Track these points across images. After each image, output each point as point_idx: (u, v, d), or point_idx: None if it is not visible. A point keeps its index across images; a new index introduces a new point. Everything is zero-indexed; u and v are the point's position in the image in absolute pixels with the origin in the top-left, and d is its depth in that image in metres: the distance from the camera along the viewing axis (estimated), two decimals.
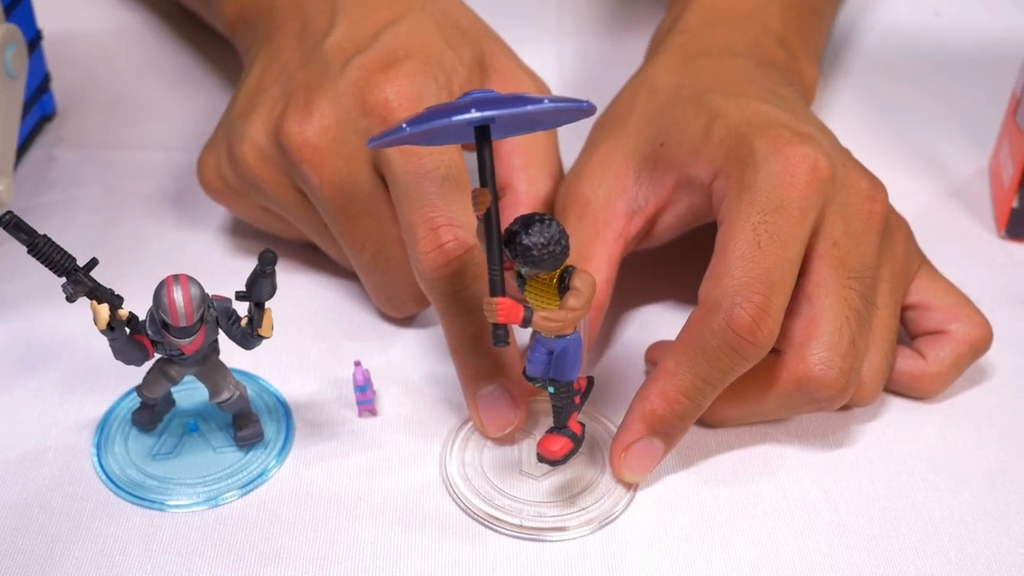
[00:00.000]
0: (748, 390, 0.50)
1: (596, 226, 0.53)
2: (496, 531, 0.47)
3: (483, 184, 0.42)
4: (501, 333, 0.43)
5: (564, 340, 0.44)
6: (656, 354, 0.54)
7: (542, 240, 0.42)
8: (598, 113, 0.55)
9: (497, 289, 0.42)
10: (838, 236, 0.50)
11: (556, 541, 0.47)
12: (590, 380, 0.48)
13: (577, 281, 0.42)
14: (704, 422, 0.51)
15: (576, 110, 0.42)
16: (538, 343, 0.45)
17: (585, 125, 0.58)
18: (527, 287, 0.44)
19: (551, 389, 0.46)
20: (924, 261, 0.55)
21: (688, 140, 0.52)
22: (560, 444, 0.47)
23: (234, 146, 0.55)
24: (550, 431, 0.47)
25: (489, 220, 0.42)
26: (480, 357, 0.50)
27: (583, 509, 0.48)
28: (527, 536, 0.47)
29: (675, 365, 0.47)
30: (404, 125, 0.41)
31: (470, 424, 0.52)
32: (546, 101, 0.40)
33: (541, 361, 0.45)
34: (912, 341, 0.54)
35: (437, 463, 0.50)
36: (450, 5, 0.59)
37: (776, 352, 0.49)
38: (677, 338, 0.48)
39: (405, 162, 0.51)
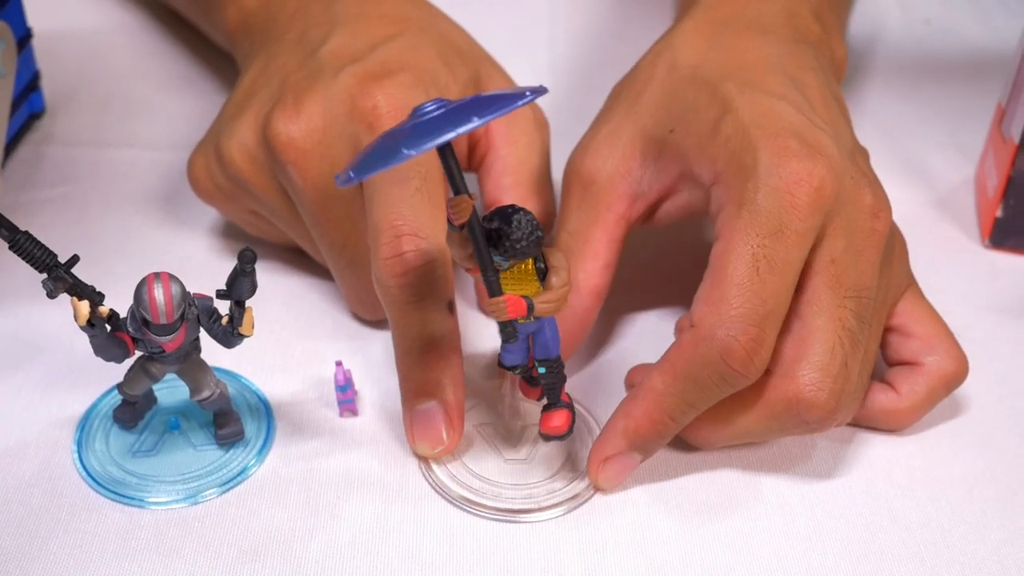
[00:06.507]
0: (735, 412, 0.48)
1: (598, 208, 0.53)
2: (474, 514, 0.48)
3: (456, 192, 0.42)
4: (510, 330, 0.44)
5: (539, 321, 0.45)
6: (636, 378, 0.53)
7: (527, 231, 0.42)
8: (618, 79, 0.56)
9: (495, 290, 0.43)
10: (837, 253, 0.48)
11: (532, 522, 0.48)
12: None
13: (553, 260, 0.44)
14: (689, 444, 0.51)
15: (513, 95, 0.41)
16: None
17: (591, 99, 0.58)
18: (502, 278, 0.44)
19: (542, 370, 0.47)
20: (912, 283, 0.53)
21: (696, 132, 0.51)
22: (561, 419, 0.48)
23: (223, 146, 0.55)
24: (546, 409, 0.48)
25: (472, 227, 0.42)
26: (423, 370, 0.49)
27: (557, 491, 0.49)
28: (503, 518, 0.48)
29: (663, 386, 0.47)
30: (351, 173, 0.40)
31: None
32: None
33: (519, 349, 0.46)
34: (887, 368, 0.53)
35: (416, 464, 0.50)
36: (449, 28, 0.59)
37: (765, 372, 0.48)
38: (667, 357, 0.47)
39: None
